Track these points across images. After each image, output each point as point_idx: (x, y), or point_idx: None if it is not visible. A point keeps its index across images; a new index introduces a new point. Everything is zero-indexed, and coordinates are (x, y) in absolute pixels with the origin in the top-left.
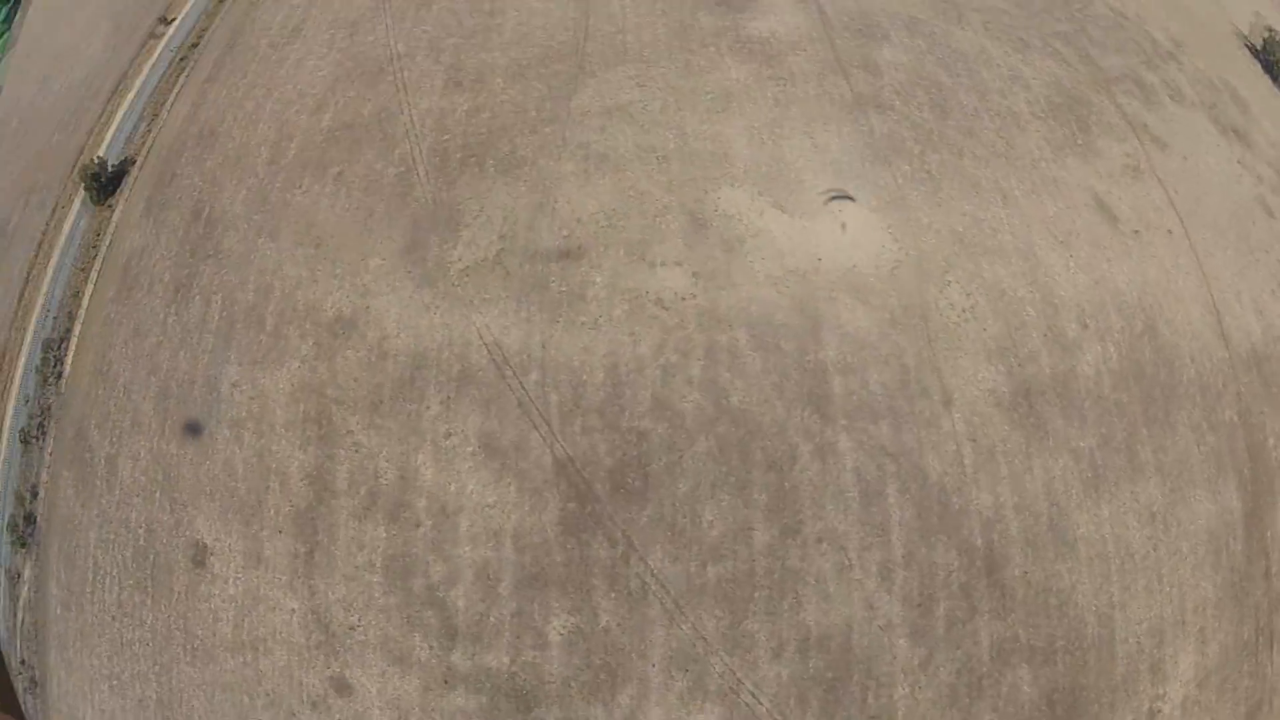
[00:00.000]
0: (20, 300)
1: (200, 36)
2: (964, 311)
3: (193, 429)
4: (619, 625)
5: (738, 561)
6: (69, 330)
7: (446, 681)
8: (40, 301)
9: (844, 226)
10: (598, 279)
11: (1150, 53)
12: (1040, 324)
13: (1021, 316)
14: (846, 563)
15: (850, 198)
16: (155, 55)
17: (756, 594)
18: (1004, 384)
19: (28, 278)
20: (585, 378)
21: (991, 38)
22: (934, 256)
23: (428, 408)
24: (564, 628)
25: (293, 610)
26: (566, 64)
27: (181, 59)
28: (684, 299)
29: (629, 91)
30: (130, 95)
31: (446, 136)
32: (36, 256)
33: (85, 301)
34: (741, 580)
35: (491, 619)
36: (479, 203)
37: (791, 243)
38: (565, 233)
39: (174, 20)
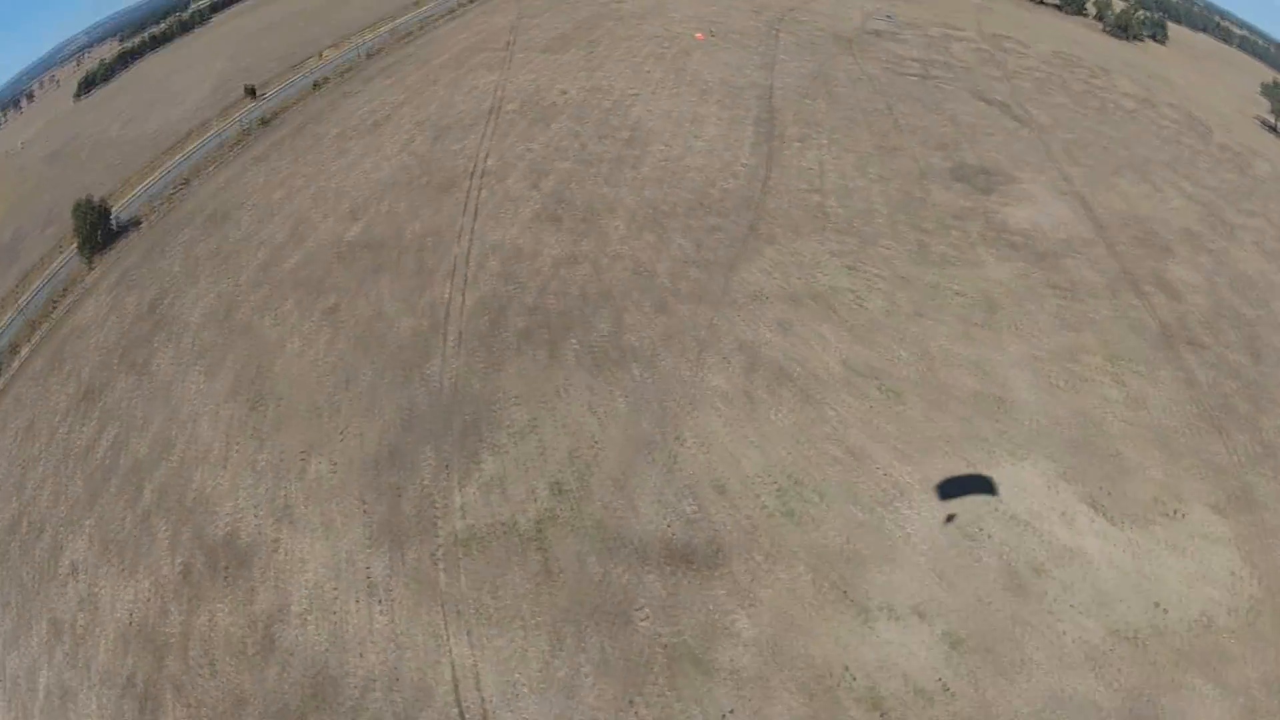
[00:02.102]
0: None
1: (277, 115)
2: None
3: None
4: None
5: None
6: None
7: None
8: None
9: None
10: (745, 628)
11: None
12: None
13: None
14: None
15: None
16: (222, 124)
17: None
18: None
19: None
20: None
21: (1267, 259)
22: None
23: None
24: None
25: None
26: (732, 220)
27: (246, 131)
28: (931, 697)
29: (831, 272)
30: (175, 158)
31: (512, 287)
32: (15, 288)
33: (15, 364)
34: None
35: None
36: (532, 411)
37: (1119, 576)
38: (693, 506)
39: (262, 95)
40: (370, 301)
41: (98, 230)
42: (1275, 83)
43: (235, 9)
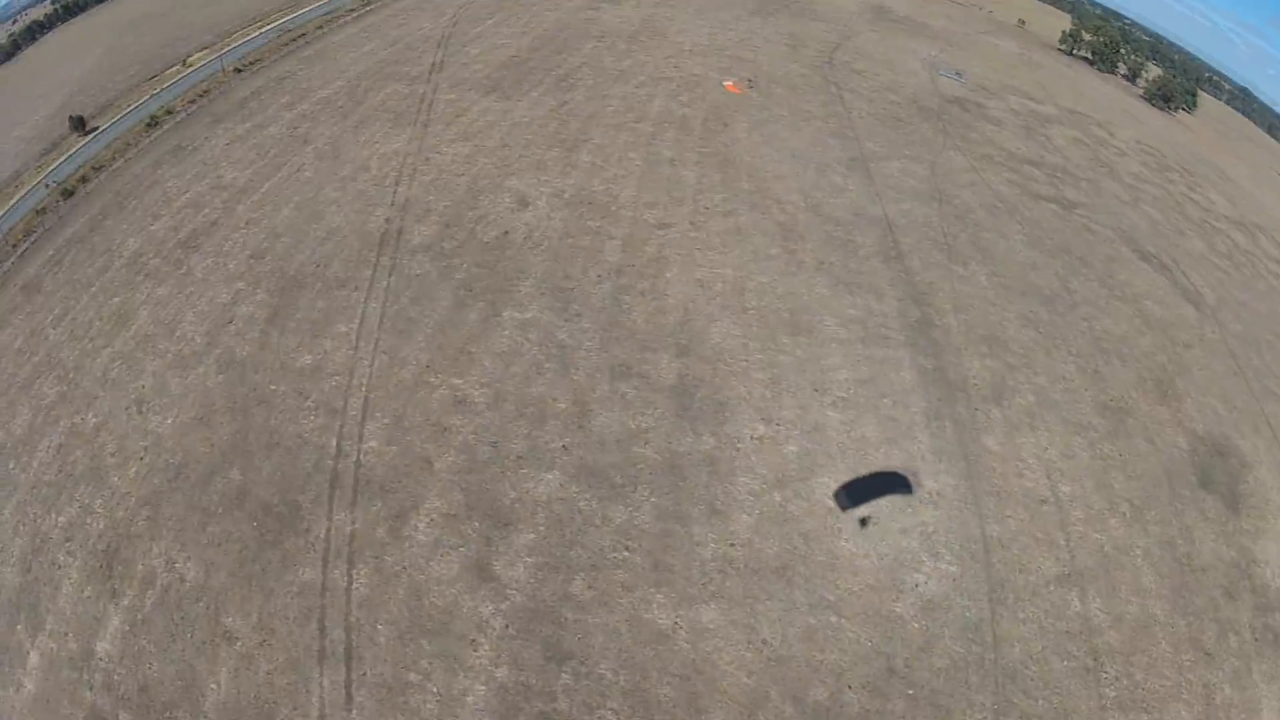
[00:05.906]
0: None
1: (86, 180)
2: None
3: None
4: None
5: None
6: None
7: None
8: None
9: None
10: None
11: None
12: None
13: None
14: None
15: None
16: (34, 179)
17: None
18: None
19: None
20: None
21: None
22: None
23: None
24: None
25: None
26: None
27: (39, 213)
28: None
29: None
30: None
31: None
32: None
33: None
34: None
35: None
36: None
37: None
38: None
39: (92, 129)
40: None
41: None
42: None
43: None
